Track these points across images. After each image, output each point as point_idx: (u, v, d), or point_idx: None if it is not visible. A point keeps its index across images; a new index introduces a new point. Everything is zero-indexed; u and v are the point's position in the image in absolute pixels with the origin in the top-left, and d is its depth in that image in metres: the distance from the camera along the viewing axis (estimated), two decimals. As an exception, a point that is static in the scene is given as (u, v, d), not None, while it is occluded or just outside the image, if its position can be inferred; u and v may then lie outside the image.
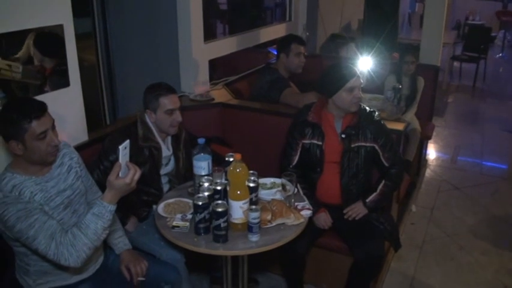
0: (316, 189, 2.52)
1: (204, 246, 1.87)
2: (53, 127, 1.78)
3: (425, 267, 3.16)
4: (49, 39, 2.20)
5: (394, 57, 4.22)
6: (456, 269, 3.16)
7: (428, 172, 4.60)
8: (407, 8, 9.72)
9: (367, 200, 2.47)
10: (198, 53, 3.30)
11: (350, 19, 6.43)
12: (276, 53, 3.43)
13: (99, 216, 1.70)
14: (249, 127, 3.07)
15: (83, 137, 2.51)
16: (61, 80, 2.31)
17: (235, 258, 2.16)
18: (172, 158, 2.49)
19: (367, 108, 2.51)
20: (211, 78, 3.54)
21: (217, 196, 1.94)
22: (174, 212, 2.08)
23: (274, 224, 1.96)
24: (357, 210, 2.48)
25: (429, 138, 4.26)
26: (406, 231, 3.56)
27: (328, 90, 2.41)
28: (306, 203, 2.17)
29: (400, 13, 6.86)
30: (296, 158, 2.52)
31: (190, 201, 2.12)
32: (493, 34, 7.18)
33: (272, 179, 2.29)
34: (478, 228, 3.58)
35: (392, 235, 2.52)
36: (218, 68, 4.06)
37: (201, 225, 1.89)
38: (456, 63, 7.99)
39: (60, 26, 2.23)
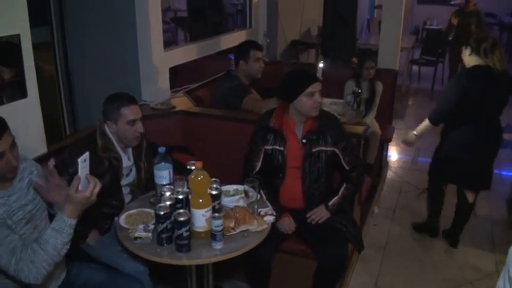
0: (279, 195, 2.53)
1: (167, 257, 1.84)
2: (13, 146, 1.72)
3: (389, 268, 3.22)
4: (5, 49, 2.14)
5: (353, 62, 4.30)
6: (420, 268, 3.23)
7: (389, 174, 4.70)
8: (366, 14, 9.94)
9: (330, 204, 2.50)
10: (158, 61, 3.28)
11: (310, 25, 6.52)
12: (234, 59, 3.43)
13: (59, 231, 1.66)
14: (211, 134, 3.07)
15: (42, 149, 2.45)
16: (18, 91, 2.24)
17: (199, 267, 2.14)
18: (133, 168, 2.45)
19: (327, 112, 2.55)
20: (172, 86, 3.52)
21: (179, 205, 1.92)
22: (136, 222, 2.04)
23: (237, 231, 1.96)
24: (319, 214, 2.50)
25: (389, 140, 4.35)
26: (370, 232, 3.62)
27: (288, 96, 2.43)
28: (269, 209, 2.17)
29: (359, 19, 7.02)
30: (259, 164, 2.53)
31: (152, 211, 2.08)
32: (450, 38, 7.45)
33: (235, 186, 2.28)
34: (442, 227, 3.66)
35: (355, 237, 2.56)
36: (179, 75, 4.04)
37: (164, 235, 1.87)
38: (415, 67, 8.21)
39: (17, 36, 2.17)
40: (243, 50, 3.32)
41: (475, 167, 3.22)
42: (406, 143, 3.52)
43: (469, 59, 3.10)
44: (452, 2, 10.62)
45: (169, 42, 5.01)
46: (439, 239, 3.55)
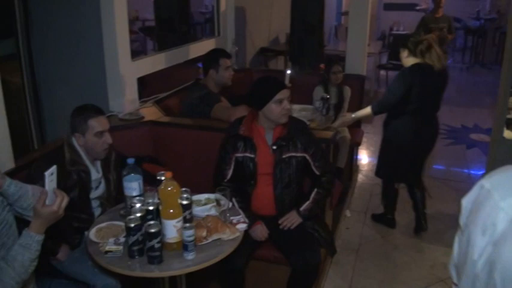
0: (251, 202, 2.54)
1: (138, 270, 1.82)
2: None
3: (362, 270, 3.26)
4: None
5: (321, 68, 4.36)
6: (393, 269, 3.29)
7: (360, 177, 4.76)
8: (333, 21, 10.08)
9: (301, 209, 2.52)
10: (125, 71, 3.25)
11: (278, 33, 6.58)
12: (202, 68, 3.43)
13: (26, 247, 1.62)
14: (181, 144, 3.05)
15: (9, 164, 2.38)
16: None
17: (173, 279, 2.12)
18: (102, 181, 2.43)
19: (296, 119, 2.57)
20: (140, 96, 3.49)
21: (149, 216, 1.90)
22: (106, 236, 2.01)
23: (209, 240, 1.95)
24: (291, 220, 2.52)
25: (359, 144, 4.42)
26: (342, 236, 3.66)
27: (257, 103, 2.45)
28: (241, 217, 2.18)
29: (326, 26, 7.11)
30: (230, 172, 2.53)
31: (122, 223, 2.06)
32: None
33: (206, 195, 2.28)
34: (411, 227, 3.74)
35: (327, 241, 2.58)
36: (148, 85, 4.01)
37: (135, 248, 1.84)
38: (382, 72, 8.35)
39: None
40: (212, 59, 3.31)
41: (411, 160, 3.47)
42: (343, 124, 3.70)
43: (407, 60, 3.35)
44: (417, 8, 10.89)
45: (138, 52, 4.98)
46: (410, 239, 3.63)
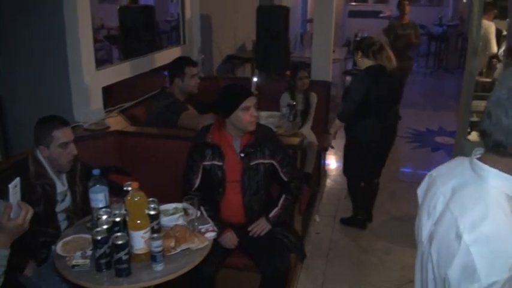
0: (220, 210, 2.54)
1: (106, 283, 1.79)
2: None
3: (333, 274, 3.29)
4: None
5: (287, 75, 4.41)
6: (363, 271, 3.33)
7: (328, 182, 4.81)
8: (298, 28, 10.18)
9: (270, 216, 2.53)
10: (90, 80, 3.20)
11: (244, 40, 6.60)
12: (168, 76, 3.41)
13: (-9, 263, 1.58)
14: (148, 153, 3.02)
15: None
16: None
17: (142, 290, 2.10)
18: (68, 193, 2.38)
19: (263, 126, 2.59)
20: (106, 106, 3.44)
21: (116, 228, 1.87)
22: (73, 250, 1.97)
23: (178, 250, 1.94)
24: (261, 226, 2.53)
25: (326, 149, 4.47)
26: (312, 241, 3.69)
27: (224, 111, 2.45)
28: (210, 225, 2.17)
29: (292, 33, 7.19)
30: (198, 181, 2.52)
31: (89, 236, 2.02)
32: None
33: (174, 205, 2.26)
34: (379, 230, 3.82)
35: (296, 247, 2.60)
36: (114, 94, 3.96)
37: (102, 261, 1.81)
38: (348, 78, 8.48)
39: None
40: (177, 67, 3.30)
41: (372, 159, 3.63)
42: (329, 142, 3.95)
43: (361, 61, 3.50)
44: (381, 15, 11.14)
45: (104, 61, 4.91)
46: (379, 241, 3.68)
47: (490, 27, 4.43)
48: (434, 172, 1.26)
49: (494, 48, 4.53)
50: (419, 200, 1.30)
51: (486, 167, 1.04)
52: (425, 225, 1.19)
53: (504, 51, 4.58)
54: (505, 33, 4.59)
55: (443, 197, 1.13)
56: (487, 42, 4.54)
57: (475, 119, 3.60)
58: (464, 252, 0.98)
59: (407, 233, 3.65)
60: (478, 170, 1.06)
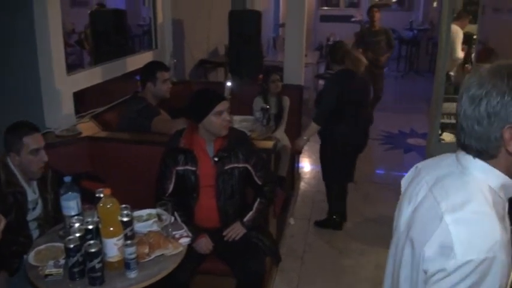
0: (195, 215, 2.53)
1: (80, 292, 1.77)
2: None
3: (308, 276, 3.32)
4: None
5: (259, 79, 4.43)
6: (338, 273, 3.36)
7: (302, 185, 4.85)
8: (271, 32, 10.23)
9: (245, 220, 2.54)
10: (61, 85, 3.15)
11: (217, 44, 6.60)
12: (140, 81, 3.39)
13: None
14: (120, 159, 2.99)
15: None
16: None
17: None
18: (39, 201, 2.34)
19: (236, 130, 2.60)
20: (77, 111, 3.39)
21: (89, 236, 1.85)
22: (46, 259, 1.94)
23: (152, 256, 1.93)
24: (236, 231, 2.53)
25: (300, 152, 4.50)
26: (287, 244, 3.71)
27: (197, 115, 2.45)
28: (184, 231, 2.17)
29: (264, 37, 7.22)
30: (171, 186, 2.51)
31: (62, 245, 1.99)
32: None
33: (148, 211, 2.25)
34: (353, 231, 3.87)
35: (271, 250, 2.61)
36: (85, 99, 3.91)
37: (75, 270, 1.79)
38: (321, 81, 8.56)
39: None
40: (149, 72, 3.28)
41: (346, 160, 3.72)
42: (299, 148, 3.90)
43: (332, 66, 3.75)
44: (352, 20, 11.30)
45: (75, 65, 4.84)
46: (354, 243, 3.73)
47: (457, 32, 4.55)
48: (419, 164, 1.29)
49: (459, 53, 4.65)
50: (402, 188, 1.33)
51: (471, 158, 1.08)
52: (404, 212, 1.23)
53: (474, 56, 4.72)
54: (475, 37, 4.71)
55: (427, 184, 1.17)
56: (452, 47, 4.65)
57: (445, 120, 3.71)
58: (444, 231, 1.01)
59: (382, 234, 3.72)
60: (463, 161, 1.10)
